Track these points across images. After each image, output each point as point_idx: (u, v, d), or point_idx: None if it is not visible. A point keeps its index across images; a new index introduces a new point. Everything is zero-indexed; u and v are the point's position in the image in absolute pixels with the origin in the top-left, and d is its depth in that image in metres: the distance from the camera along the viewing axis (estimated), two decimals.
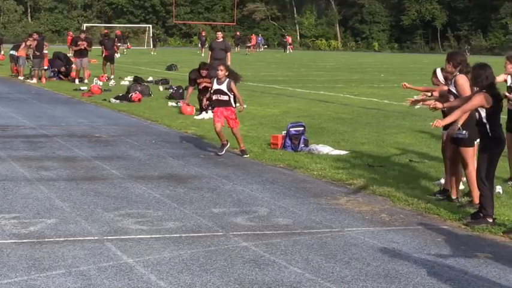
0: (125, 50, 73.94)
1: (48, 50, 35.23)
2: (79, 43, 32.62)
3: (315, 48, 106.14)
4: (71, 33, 72.37)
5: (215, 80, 14.04)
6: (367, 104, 24.38)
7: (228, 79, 13.92)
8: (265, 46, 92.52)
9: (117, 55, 52.43)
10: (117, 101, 23.86)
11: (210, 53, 25.45)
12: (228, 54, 25.51)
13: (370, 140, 15.94)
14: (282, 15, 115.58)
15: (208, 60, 25.18)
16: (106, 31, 64.12)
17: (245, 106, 14.40)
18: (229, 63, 24.83)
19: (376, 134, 16.96)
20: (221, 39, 25.64)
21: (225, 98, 13.84)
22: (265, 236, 8.31)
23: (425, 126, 17.92)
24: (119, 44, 56.29)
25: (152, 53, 71.97)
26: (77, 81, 31.85)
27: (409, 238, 8.38)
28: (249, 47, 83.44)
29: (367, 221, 9.17)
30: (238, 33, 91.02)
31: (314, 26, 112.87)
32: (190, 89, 20.67)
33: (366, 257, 7.56)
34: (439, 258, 7.58)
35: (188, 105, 20.91)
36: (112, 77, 33.70)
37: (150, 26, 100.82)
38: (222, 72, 13.91)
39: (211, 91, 14.14)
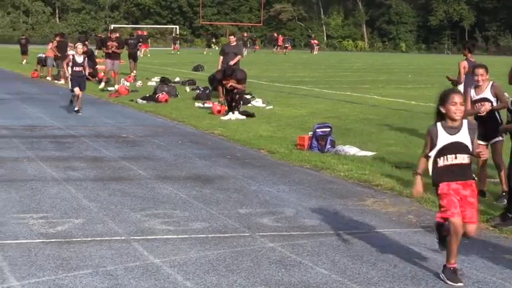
0: (172, 51, 74.66)
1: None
2: (108, 44, 31.06)
3: (342, 49, 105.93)
4: (140, 32, 72.41)
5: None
6: (394, 104, 24.29)
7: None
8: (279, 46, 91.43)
9: (140, 54, 53.43)
10: (144, 102, 23.95)
11: (221, 58, 24.96)
12: (238, 57, 25.13)
13: (397, 141, 15.87)
14: (309, 15, 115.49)
15: (219, 66, 24.86)
16: (145, 32, 65.23)
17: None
18: (232, 63, 23.81)
19: (403, 135, 16.89)
20: (235, 43, 25.20)
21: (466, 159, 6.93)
22: (291, 237, 8.30)
23: None
24: (140, 44, 56.87)
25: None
26: (102, 84, 30.18)
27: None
28: (286, 47, 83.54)
29: (394, 222, 9.13)
30: (275, 34, 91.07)
31: (341, 26, 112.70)
32: (220, 88, 20.80)
33: (393, 258, 7.52)
34: (466, 260, 7.53)
35: (221, 105, 20.99)
36: (134, 73, 34.27)
37: (177, 27, 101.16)
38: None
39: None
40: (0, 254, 7.34)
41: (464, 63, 15.25)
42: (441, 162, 6.83)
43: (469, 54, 15.44)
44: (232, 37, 25.85)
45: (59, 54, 33.18)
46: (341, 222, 9.04)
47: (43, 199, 9.91)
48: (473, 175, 6.96)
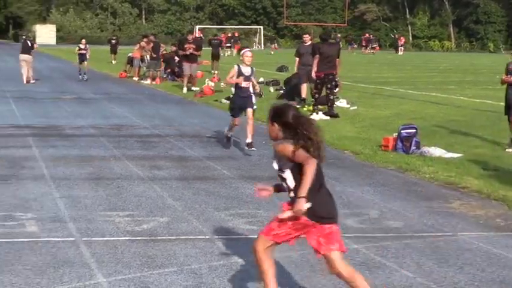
0: (272, 51, 75.82)
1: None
2: (186, 46, 29.58)
3: (428, 49, 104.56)
4: (223, 34, 73.98)
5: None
6: (481, 106, 23.83)
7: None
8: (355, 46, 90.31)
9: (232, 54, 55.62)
10: (228, 102, 24.04)
11: (297, 59, 23.41)
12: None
13: (485, 143, 15.57)
14: (394, 15, 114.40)
15: (296, 68, 23.97)
16: (236, 33, 67.39)
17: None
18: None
19: (490, 136, 16.55)
20: (309, 43, 23.83)
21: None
22: (375, 239, 8.23)
23: None
24: (228, 45, 58.28)
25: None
26: (185, 89, 28.85)
27: None
28: (373, 47, 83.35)
29: (481, 226, 8.95)
30: (367, 34, 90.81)
31: (427, 26, 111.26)
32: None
33: (480, 263, 7.38)
34: None
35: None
36: (216, 72, 34.80)
37: (261, 27, 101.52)
38: None
39: None
40: (88, 251, 7.49)
41: None
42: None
43: None
44: (306, 36, 24.70)
45: (154, 55, 33.54)
46: (426, 225, 8.92)
47: (129, 197, 10.06)
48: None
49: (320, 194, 5.71)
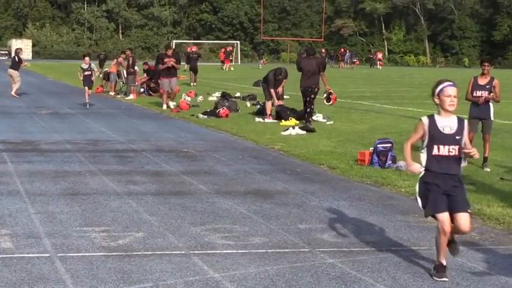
0: (260, 65, 76.71)
1: (137, 67, 35.88)
2: (166, 60, 28.07)
3: (404, 64, 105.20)
4: (223, 49, 75.72)
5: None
6: None
7: None
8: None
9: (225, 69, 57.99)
10: (205, 117, 24.10)
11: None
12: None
13: None
14: (370, 31, 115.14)
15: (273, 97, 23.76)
16: (229, 48, 69.71)
17: None
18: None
19: None
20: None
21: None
22: (351, 253, 8.24)
23: None
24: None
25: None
26: (164, 106, 27.54)
27: (500, 258, 8.18)
28: (353, 62, 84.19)
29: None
30: (343, 49, 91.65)
31: (402, 41, 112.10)
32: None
33: (455, 276, 7.41)
34: None
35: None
36: (194, 84, 35.75)
37: (238, 42, 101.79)
38: None
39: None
40: (63, 267, 7.44)
41: None
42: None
43: None
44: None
45: (132, 70, 33.54)
46: (402, 239, 8.95)
47: (105, 213, 10.02)
48: None
49: None
